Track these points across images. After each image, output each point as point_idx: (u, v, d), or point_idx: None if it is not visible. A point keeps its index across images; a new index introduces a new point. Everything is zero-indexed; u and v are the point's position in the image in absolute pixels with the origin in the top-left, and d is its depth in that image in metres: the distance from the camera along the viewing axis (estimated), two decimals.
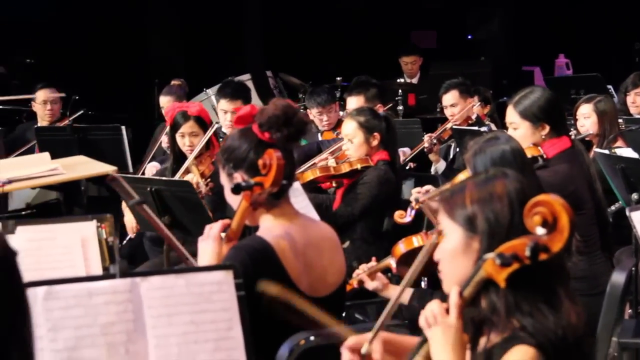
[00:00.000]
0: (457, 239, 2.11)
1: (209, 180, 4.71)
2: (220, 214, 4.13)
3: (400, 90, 7.65)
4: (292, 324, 2.45)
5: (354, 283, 3.66)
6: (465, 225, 2.09)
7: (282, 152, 2.71)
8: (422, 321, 2.06)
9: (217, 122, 5.58)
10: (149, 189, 4.27)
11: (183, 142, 4.85)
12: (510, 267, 1.99)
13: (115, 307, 2.10)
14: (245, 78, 7.78)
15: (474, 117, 6.30)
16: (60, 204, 5.64)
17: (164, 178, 4.70)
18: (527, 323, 2.01)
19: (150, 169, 5.51)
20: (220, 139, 5.45)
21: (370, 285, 3.64)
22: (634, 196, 4.31)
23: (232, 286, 2.21)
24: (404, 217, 4.04)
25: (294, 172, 2.86)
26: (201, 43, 10.28)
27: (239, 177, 2.75)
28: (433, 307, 2.05)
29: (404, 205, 4.16)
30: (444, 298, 2.07)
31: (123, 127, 5.88)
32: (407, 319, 3.47)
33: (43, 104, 6.82)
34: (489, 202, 2.08)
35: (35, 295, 2.04)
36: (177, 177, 4.70)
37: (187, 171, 4.76)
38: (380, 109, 5.50)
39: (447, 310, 2.04)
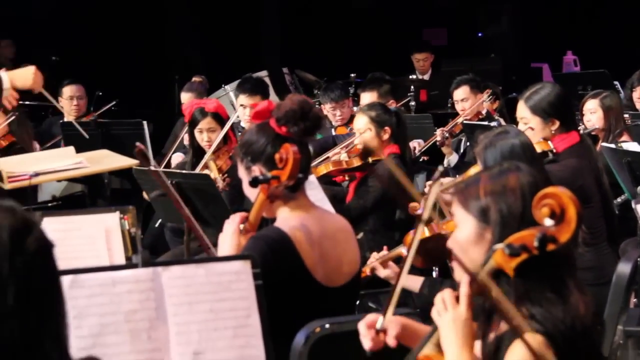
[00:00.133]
0: (470, 229, 2.12)
1: (225, 176, 4.73)
2: (238, 207, 4.14)
3: (412, 87, 7.64)
4: (310, 309, 2.47)
5: (367, 270, 3.67)
6: (479, 216, 2.10)
7: (298, 146, 2.71)
8: (434, 312, 2.06)
9: (237, 117, 5.60)
10: (170, 181, 4.28)
11: (201, 138, 4.89)
12: (519, 257, 1.99)
13: (138, 296, 2.11)
14: (263, 75, 7.78)
15: (484, 112, 6.30)
16: (85, 196, 5.65)
17: (184, 171, 4.72)
18: (535, 312, 2.00)
19: (177, 158, 5.61)
20: (239, 133, 5.48)
21: (382, 273, 3.65)
22: None
23: (250, 275, 2.22)
24: (418, 209, 4.03)
25: (310, 165, 2.86)
26: (220, 41, 10.30)
27: (256, 170, 2.76)
28: (444, 296, 2.05)
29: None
30: (455, 287, 2.07)
31: (145, 122, 5.89)
32: (418, 307, 3.47)
33: (69, 99, 6.85)
34: (502, 194, 2.09)
35: None
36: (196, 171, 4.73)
37: (206, 166, 4.79)
38: (393, 105, 5.50)
39: (457, 299, 2.04)
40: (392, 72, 7.29)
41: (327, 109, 6.23)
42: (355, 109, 6.28)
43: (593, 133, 5.30)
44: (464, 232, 2.13)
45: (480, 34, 11.20)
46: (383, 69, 6.94)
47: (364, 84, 6.33)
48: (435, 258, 3.65)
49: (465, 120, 6.07)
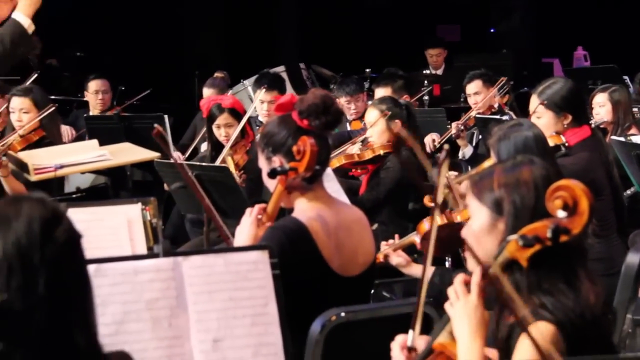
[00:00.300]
0: (483, 219, 2.12)
1: (242, 172, 4.75)
2: (257, 199, 4.14)
3: (426, 81, 7.62)
4: (326, 298, 2.46)
5: (380, 257, 3.65)
6: (493, 208, 2.10)
7: (316, 139, 2.70)
8: (447, 305, 2.06)
9: (255, 111, 5.60)
10: (190, 173, 4.28)
11: (219, 133, 4.93)
12: (532, 248, 1.99)
13: (159, 284, 2.11)
14: (280, 70, 7.77)
15: (495, 105, 6.28)
16: (108, 187, 5.66)
17: (203, 164, 4.73)
18: (547, 301, 2.01)
19: (205, 146, 5.60)
20: (256, 128, 5.49)
21: (394, 260, 3.65)
22: None
23: (267, 265, 2.21)
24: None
25: (329, 158, 2.86)
26: (238, 37, 10.31)
27: (277, 160, 2.75)
28: (456, 285, 2.05)
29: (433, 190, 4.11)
30: (466, 273, 2.07)
31: (166, 116, 5.90)
32: (430, 296, 3.45)
33: (95, 93, 6.87)
34: (515, 186, 2.09)
35: None
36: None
37: (224, 161, 4.81)
38: (407, 100, 5.49)
39: (468, 288, 2.03)
40: (407, 68, 7.27)
41: (342, 102, 6.23)
42: (369, 103, 6.28)
43: (602, 126, 5.29)
44: (478, 223, 2.13)
45: (492, 30, 11.15)
46: (398, 64, 6.92)
47: (378, 79, 6.32)
48: (448, 246, 3.63)
49: (478, 113, 6.06)
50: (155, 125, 2.81)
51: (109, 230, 2.89)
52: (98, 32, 9.75)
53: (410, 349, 2.09)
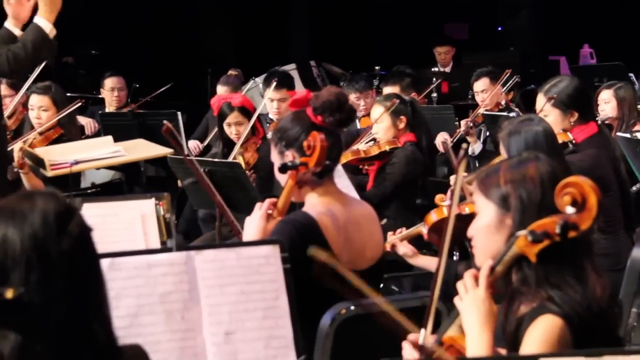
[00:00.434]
0: (490, 215, 2.11)
1: (252, 172, 4.75)
2: (268, 195, 4.13)
3: (434, 79, 7.60)
4: (335, 291, 2.44)
5: (387, 246, 3.65)
6: (499, 203, 2.10)
7: (328, 135, 2.70)
8: (456, 299, 2.06)
9: (265, 110, 5.59)
10: (202, 169, 4.28)
11: (230, 131, 4.93)
12: (541, 243, 1.99)
13: (172, 278, 2.11)
14: (291, 67, 7.76)
15: (502, 102, 6.27)
16: (122, 183, 5.67)
17: (215, 160, 4.74)
18: (554, 294, 2.01)
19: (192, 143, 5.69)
20: (267, 125, 5.49)
21: (400, 250, 3.65)
22: None
23: (278, 259, 2.21)
24: (444, 200, 3.98)
25: (340, 154, 2.86)
26: (250, 35, 10.30)
27: (289, 155, 2.75)
28: (465, 279, 2.05)
29: (445, 188, 4.11)
30: (472, 266, 2.07)
31: (179, 113, 5.90)
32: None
33: (111, 91, 6.87)
34: (522, 182, 2.09)
35: None
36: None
37: (234, 159, 4.81)
38: (415, 98, 5.49)
39: (477, 282, 2.03)
40: (415, 65, 7.26)
41: (351, 99, 6.21)
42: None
43: (607, 122, 5.27)
44: (485, 219, 2.13)
45: (500, 28, 11.12)
46: (406, 62, 6.91)
47: (387, 77, 6.32)
48: (456, 238, 3.61)
49: (486, 110, 6.05)
50: (165, 122, 2.81)
51: (124, 225, 2.89)
52: (113, 31, 9.76)
53: (422, 348, 2.08)
